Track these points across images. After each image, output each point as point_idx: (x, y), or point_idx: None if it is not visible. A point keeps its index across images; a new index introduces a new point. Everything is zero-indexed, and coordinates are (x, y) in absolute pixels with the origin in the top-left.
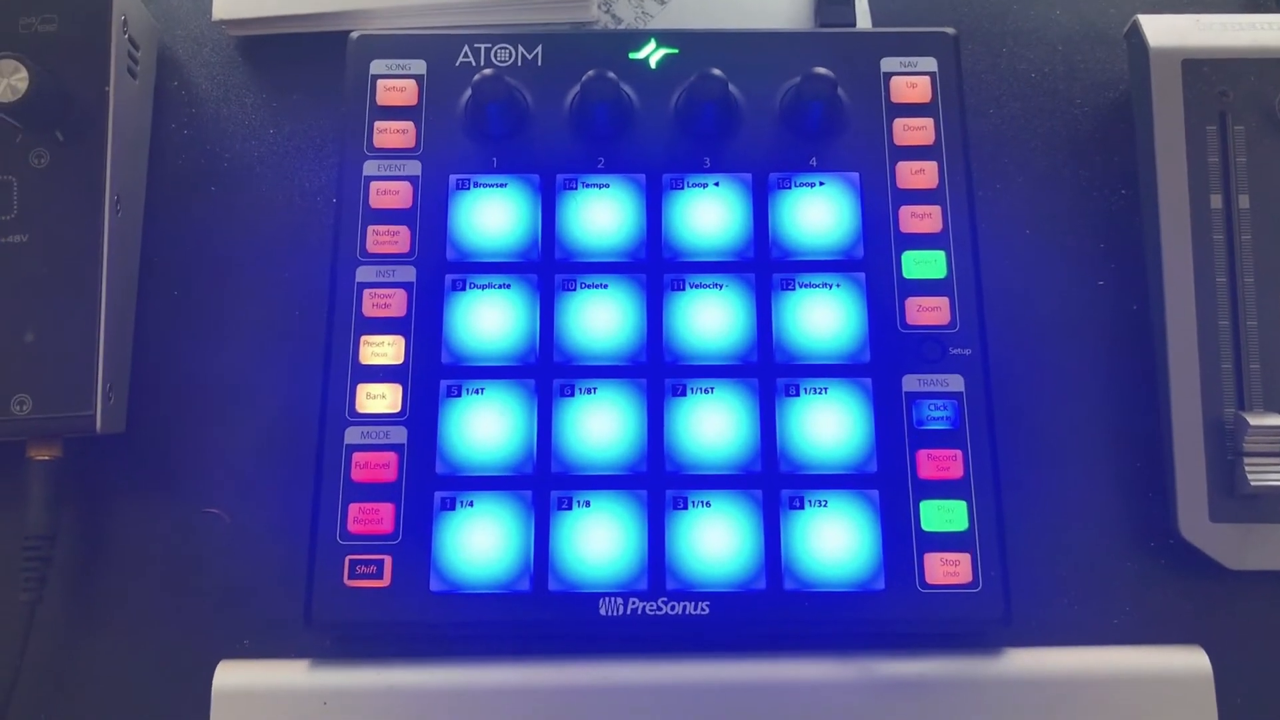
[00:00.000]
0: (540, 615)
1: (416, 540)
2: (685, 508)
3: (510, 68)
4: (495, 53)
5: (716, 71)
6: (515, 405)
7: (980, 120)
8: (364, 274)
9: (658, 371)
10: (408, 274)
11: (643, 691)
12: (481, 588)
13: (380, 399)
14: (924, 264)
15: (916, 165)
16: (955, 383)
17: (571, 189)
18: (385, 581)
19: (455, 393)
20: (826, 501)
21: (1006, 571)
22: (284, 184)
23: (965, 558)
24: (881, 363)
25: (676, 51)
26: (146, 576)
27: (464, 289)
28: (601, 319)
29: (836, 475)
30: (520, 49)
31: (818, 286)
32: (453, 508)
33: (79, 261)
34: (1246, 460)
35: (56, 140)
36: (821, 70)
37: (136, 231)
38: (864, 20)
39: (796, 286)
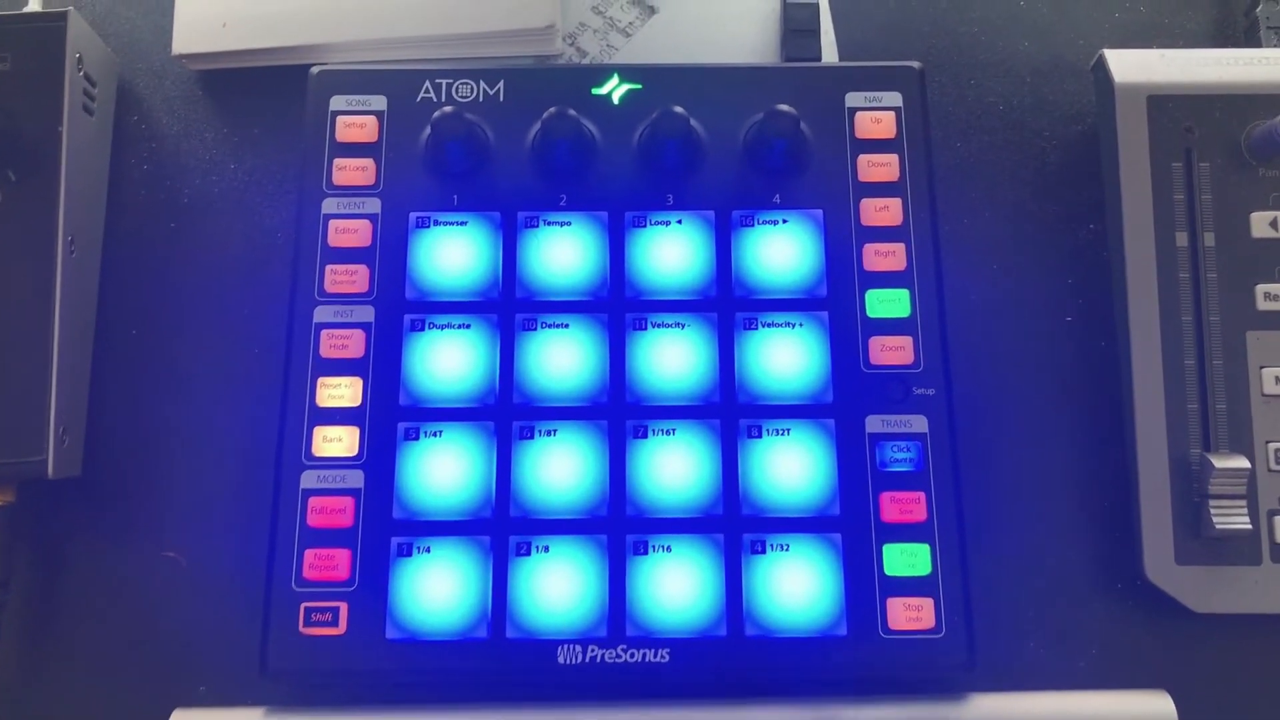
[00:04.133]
0: (498, 663)
1: (373, 587)
2: (645, 552)
3: (471, 103)
4: (456, 88)
5: (679, 109)
6: (474, 448)
7: (946, 153)
8: (322, 314)
9: (619, 413)
10: (366, 314)
11: None
12: (438, 635)
13: (337, 442)
14: (888, 303)
15: (881, 202)
16: (919, 424)
17: (533, 227)
18: (341, 629)
19: (413, 435)
20: (788, 545)
21: (971, 616)
22: (244, 220)
23: (928, 603)
24: (844, 403)
25: (639, 87)
26: (101, 622)
27: (423, 329)
28: (562, 359)
29: (798, 518)
30: (482, 84)
31: (780, 326)
32: (410, 554)
33: (31, 302)
34: (1212, 503)
35: (8, 180)
36: (784, 107)
37: (93, 270)
38: (830, 54)
39: (759, 326)
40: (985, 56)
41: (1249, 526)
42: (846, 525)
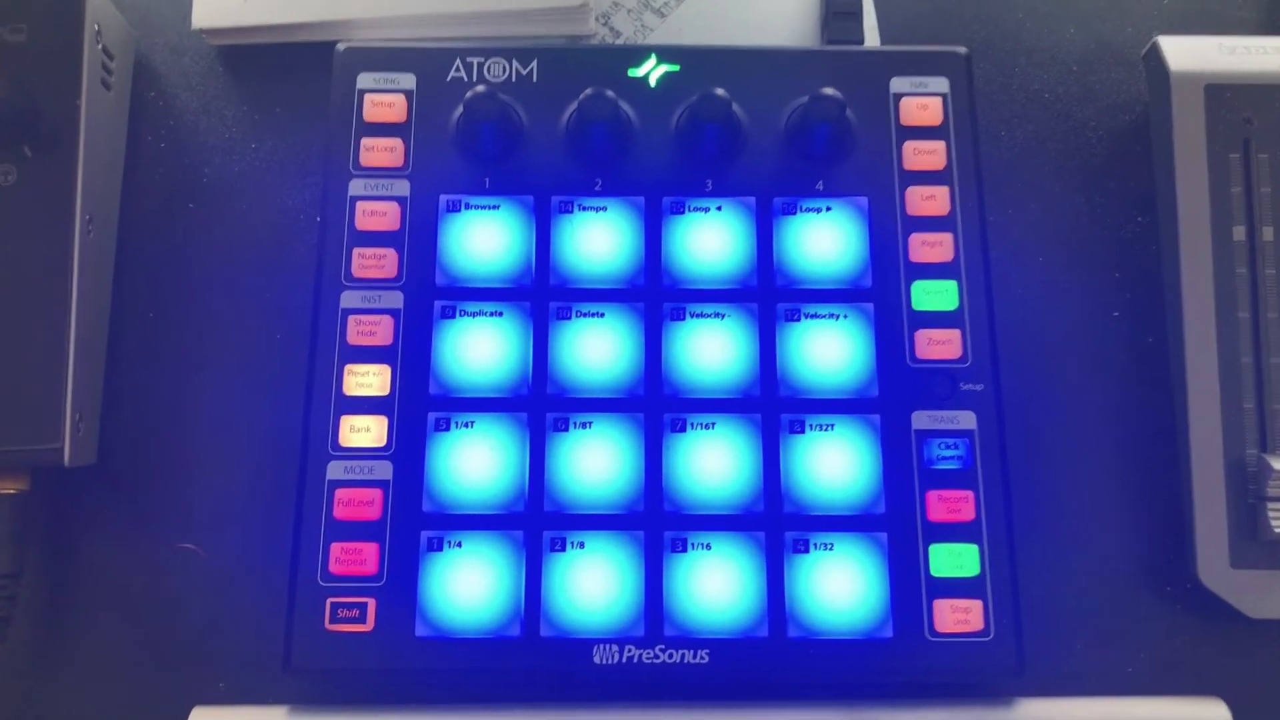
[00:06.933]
0: (531, 662)
1: (402, 582)
2: (684, 550)
3: (504, 83)
4: (488, 67)
5: (720, 91)
6: (506, 440)
7: (991, 143)
8: (349, 299)
9: (656, 405)
10: (395, 300)
11: None
12: (469, 633)
13: (365, 432)
14: (935, 294)
15: (927, 191)
16: (967, 420)
17: (567, 212)
18: (368, 626)
19: (444, 426)
20: (832, 544)
21: (1019, 619)
22: (265, 202)
23: (976, 604)
24: (890, 398)
25: (677, 69)
26: (117, 616)
27: (454, 316)
28: (598, 349)
29: (843, 517)
30: (514, 64)
31: (824, 317)
32: (440, 548)
33: (47, 283)
34: (1269, 505)
35: (24, 155)
36: (830, 91)
37: (109, 250)
38: (872, 37)
39: (802, 317)
40: (1030, 43)
41: None
42: (892, 524)
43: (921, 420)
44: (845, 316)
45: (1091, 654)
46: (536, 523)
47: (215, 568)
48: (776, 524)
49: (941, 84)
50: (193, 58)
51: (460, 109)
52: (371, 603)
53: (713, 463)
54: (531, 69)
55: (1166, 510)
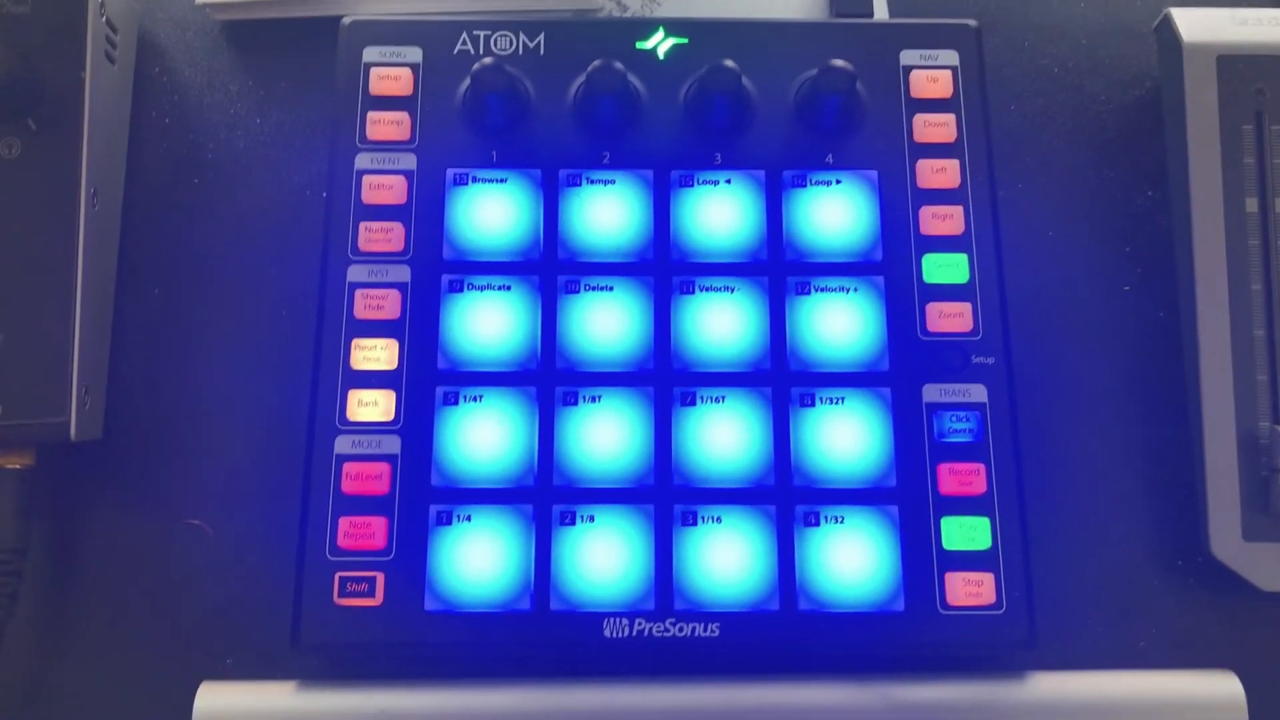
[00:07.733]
0: (541, 636)
1: (410, 556)
2: (694, 523)
3: (511, 56)
4: (495, 40)
5: (729, 63)
6: (515, 413)
7: (1001, 116)
8: (355, 273)
9: (666, 379)
10: (402, 274)
11: (649, 716)
12: (479, 607)
13: (372, 406)
14: (945, 267)
15: (938, 164)
16: (978, 393)
17: (575, 185)
18: (377, 600)
19: (452, 400)
20: (843, 518)
21: (1031, 592)
22: (271, 177)
23: (988, 577)
24: (901, 371)
25: (686, 41)
26: (124, 592)
27: (461, 290)
28: (606, 323)
29: (853, 490)
30: (522, 36)
31: (834, 290)
32: (449, 522)
33: (52, 258)
34: None
35: (28, 129)
36: (840, 63)
37: (114, 226)
38: (881, 10)
39: (812, 290)
40: (1040, 17)
41: None
42: (903, 497)
43: (932, 393)
44: (855, 290)
45: (1103, 627)
46: (546, 497)
47: (223, 543)
48: (787, 497)
49: (951, 57)
50: (196, 32)
51: (467, 82)
52: (380, 577)
53: (723, 436)
54: (539, 42)
55: (1178, 483)
